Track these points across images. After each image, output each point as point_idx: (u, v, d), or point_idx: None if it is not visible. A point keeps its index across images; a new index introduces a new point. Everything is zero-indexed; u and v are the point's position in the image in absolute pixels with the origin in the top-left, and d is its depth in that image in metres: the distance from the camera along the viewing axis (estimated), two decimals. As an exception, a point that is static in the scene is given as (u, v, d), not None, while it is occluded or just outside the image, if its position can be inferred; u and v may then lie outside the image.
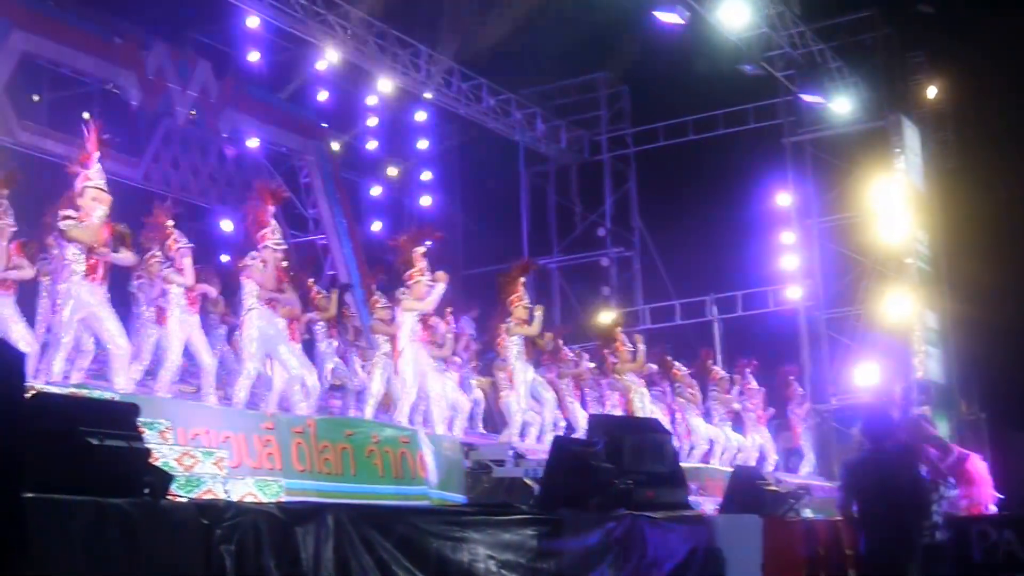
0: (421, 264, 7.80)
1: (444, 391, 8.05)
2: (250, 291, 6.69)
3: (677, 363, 11.04)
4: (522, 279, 8.74)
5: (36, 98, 11.80)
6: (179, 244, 7.24)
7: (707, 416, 11.17)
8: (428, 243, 8.13)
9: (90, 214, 6.04)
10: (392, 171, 15.74)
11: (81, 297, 6.00)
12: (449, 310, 9.37)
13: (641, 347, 10.15)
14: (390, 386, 8.28)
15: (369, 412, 8.23)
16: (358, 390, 9.41)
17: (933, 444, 5.69)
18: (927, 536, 5.18)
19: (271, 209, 6.90)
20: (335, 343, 9.39)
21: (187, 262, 7.06)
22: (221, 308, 8.70)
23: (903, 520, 5.05)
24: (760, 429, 11.63)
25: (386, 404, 8.64)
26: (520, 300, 8.61)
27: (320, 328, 9.18)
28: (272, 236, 6.79)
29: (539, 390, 8.89)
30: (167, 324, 7.04)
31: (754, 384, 11.68)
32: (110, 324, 6.15)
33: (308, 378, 6.86)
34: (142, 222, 7.71)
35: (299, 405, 6.75)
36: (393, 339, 8.51)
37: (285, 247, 6.95)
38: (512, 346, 8.59)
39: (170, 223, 7.31)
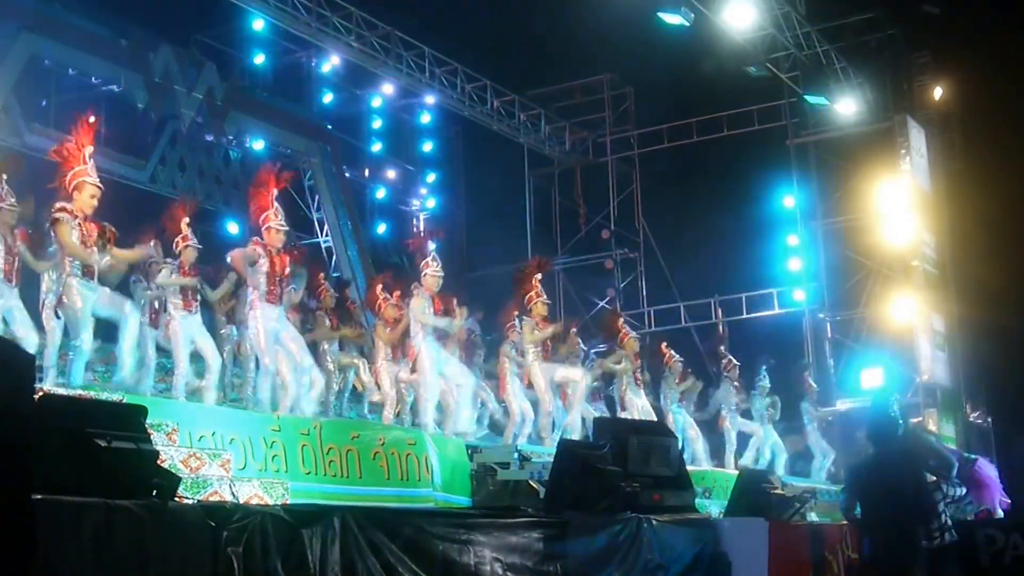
0: (429, 258, 7.83)
1: (468, 382, 8.03)
2: (252, 286, 6.68)
3: (673, 353, 10.99)
4: (538, 276, 8.71)
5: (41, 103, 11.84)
6: (187, 243, 7.24)
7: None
8: (434, 244, 8.17)
9: (84, 209, 6.04)
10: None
11: (86, 295, 6.03)
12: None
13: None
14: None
15: (388, 415, 8.25)
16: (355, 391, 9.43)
17: (933, 456, 5.69)
18: (936, 538, 5.16)
19: (274, 192, 6.83)
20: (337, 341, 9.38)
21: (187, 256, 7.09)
22: (226, 305, 8.69)
23: (906, 523, 5.04)
24: (768, 428, 11.56)
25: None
26: (539, 296, 8.60)
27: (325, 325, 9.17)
28: (274, 218, 6.70)
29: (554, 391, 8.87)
30: (168, 327, 7.03)
31: (767, 382, 11.63)
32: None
33: (315, 376, 6.86)
34: (147, 223, 7.72)
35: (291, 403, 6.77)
36: (394, 347, 8.52)
37: (287, 229, 6.89)
38: (530, 348, 8.58)
39: (186, 220, 7.29)
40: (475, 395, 8.19)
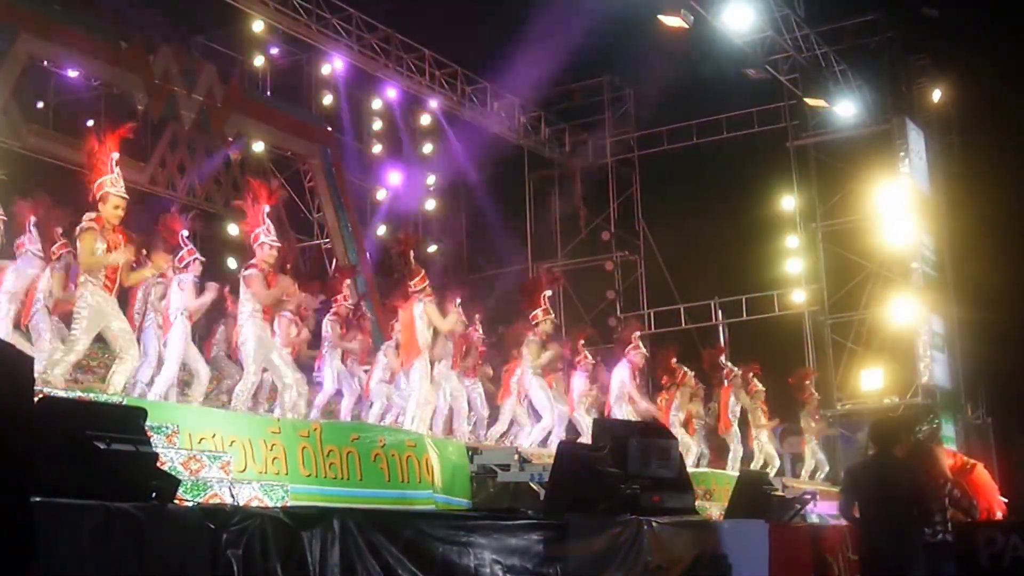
0: (421, 272, 7.81)
1: (433, 397, 8.05)
2: (247, 299, 6.68)
3: (686, 369, 11.00)
4: (547, 293, 8.74)
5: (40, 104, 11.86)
6: (195, 255, 7.22)
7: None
8: (430, 249, 8.12)
9: (110, 220, 6.07)
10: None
11: (98, 306, 6.05)
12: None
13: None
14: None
15: (373, 418, 8.24)
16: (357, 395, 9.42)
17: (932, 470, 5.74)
18: (940, 533, 5.18)
19: (265, 208, 6.81)
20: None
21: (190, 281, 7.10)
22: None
23: (902, 524, 5.07)
24: (763, 433, 11.56)
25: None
26: (547, 315, 8.62)
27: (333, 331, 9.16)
28: (267, 236, 6.71)
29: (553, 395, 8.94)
30: (169, 332, 7.03)
31: (759, 387, 11.63)
32: (125, 330, 6.21)
33: (301, 386, 6.86)
34: (148, 226, 7.73)
35: (290, 411, 6.78)
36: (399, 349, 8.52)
37: (279, 245, 6.89)
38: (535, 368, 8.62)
39: (184, 233, 7.28)
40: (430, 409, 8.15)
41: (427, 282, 7.85)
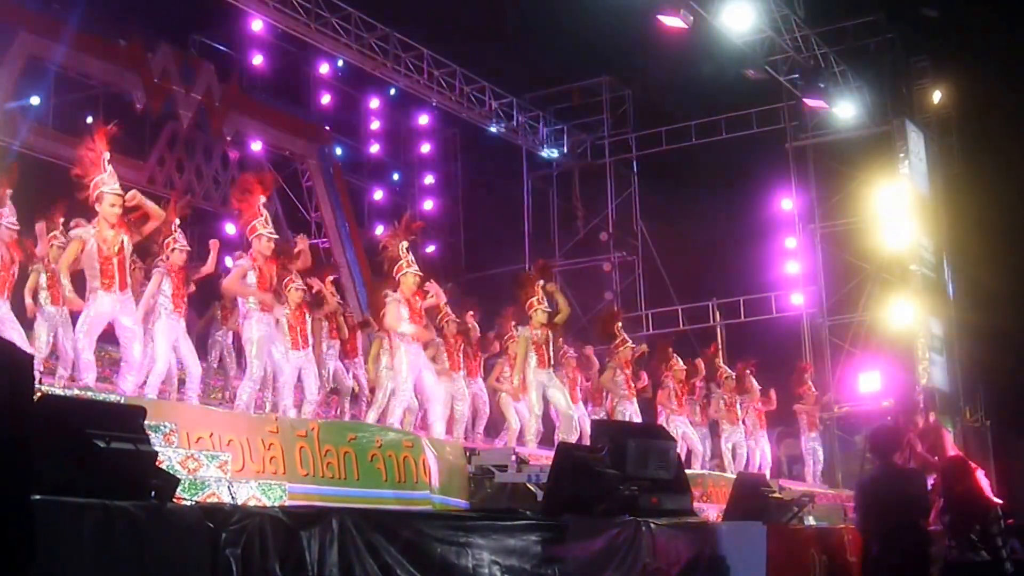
0: (407, 257, 7.66)
1: (441, 392, 7.97)
2: (245, 297, 6.67)
3: (678, 360, 10.95)
4: (541, 281, 8.66)
5: (35, 100, 11.84)
6: (176, 245, 7.21)
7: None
8: (412, 238, 7.96)
9: (108, 219, 6.10)
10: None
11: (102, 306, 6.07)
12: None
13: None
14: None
15: (372, 417, 8.22)
16: (353, 394, 9.42)
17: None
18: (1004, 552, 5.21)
19: (261, 199, 6.79)
20: (336, 344, 9.38)
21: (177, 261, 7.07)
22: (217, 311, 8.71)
23: (913, 530, 5.10)
24: (759, 433, 11.55)
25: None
26: (540, 304, 8.55)
27: (323, 329, 9.16)
28: (263, 227, 6.70)
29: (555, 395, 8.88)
30: (154, 326, 7.00)
31: (755, 385, 11.62)
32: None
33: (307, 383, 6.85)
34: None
35: (290, 409, 6.78)
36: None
37: (277, 237, 6.88)
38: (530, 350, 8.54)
39: (176, 222, 7.28)
40: (446, 411, 8.06)
41: (399, 273, 7.61)
